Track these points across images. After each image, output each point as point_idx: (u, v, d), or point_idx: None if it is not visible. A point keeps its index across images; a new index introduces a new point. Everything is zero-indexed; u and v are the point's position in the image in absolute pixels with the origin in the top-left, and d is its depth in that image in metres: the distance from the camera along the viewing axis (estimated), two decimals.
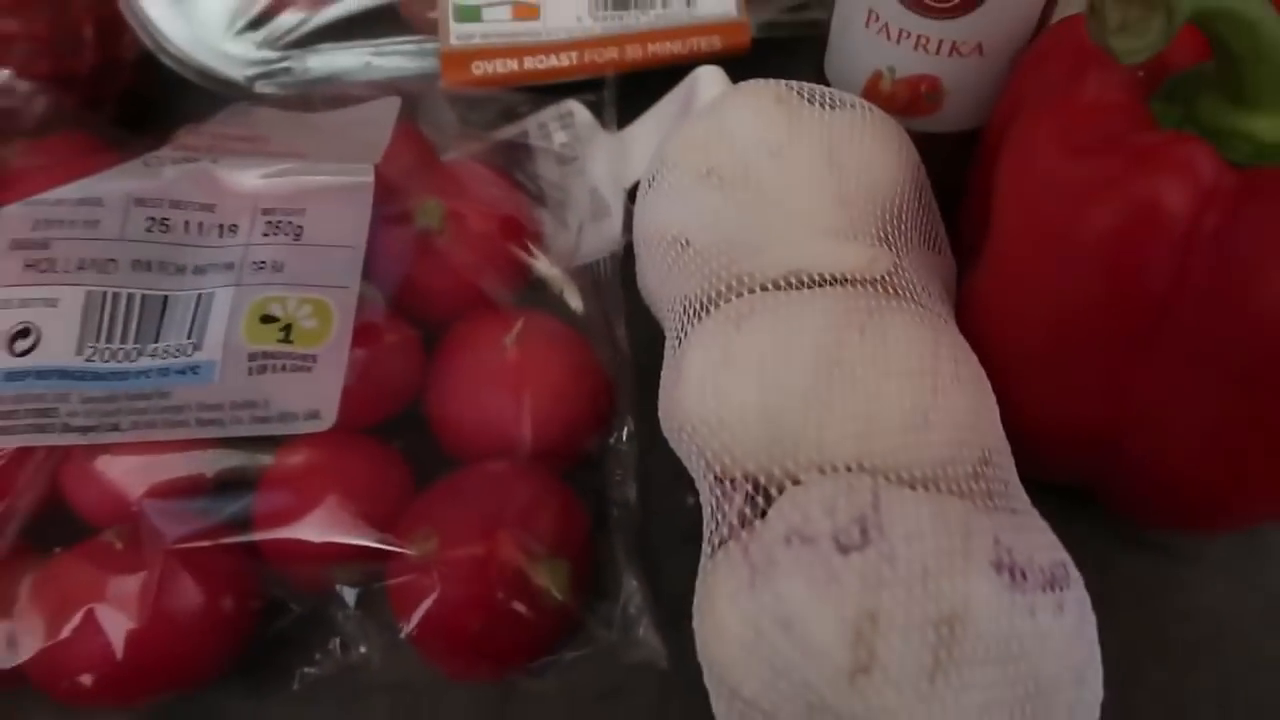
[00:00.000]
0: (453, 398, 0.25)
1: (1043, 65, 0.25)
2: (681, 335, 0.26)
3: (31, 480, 0.23)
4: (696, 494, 0.26)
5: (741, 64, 0.32)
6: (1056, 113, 0.22)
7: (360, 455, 0.24)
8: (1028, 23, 0.26)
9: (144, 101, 0.34)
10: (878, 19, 0.26)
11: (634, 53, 0.31)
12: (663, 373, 0.26)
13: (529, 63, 0.31)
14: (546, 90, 0.32)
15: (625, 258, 0.30)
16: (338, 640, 0.24)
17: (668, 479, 0.27)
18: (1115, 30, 0.19)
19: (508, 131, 0.33)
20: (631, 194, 0.31)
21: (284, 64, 0.31)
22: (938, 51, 0.26)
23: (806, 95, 0.26)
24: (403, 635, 0.22)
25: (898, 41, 0.27)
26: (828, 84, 0.30)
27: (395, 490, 0.24)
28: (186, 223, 0.24)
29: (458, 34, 0.32)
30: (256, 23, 0.32)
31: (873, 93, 0.28)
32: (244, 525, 0.22)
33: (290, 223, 0.25)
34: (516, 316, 0.26)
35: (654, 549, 0.27)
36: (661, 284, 0.27)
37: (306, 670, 0.24)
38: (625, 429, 0.27)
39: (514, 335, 0.26)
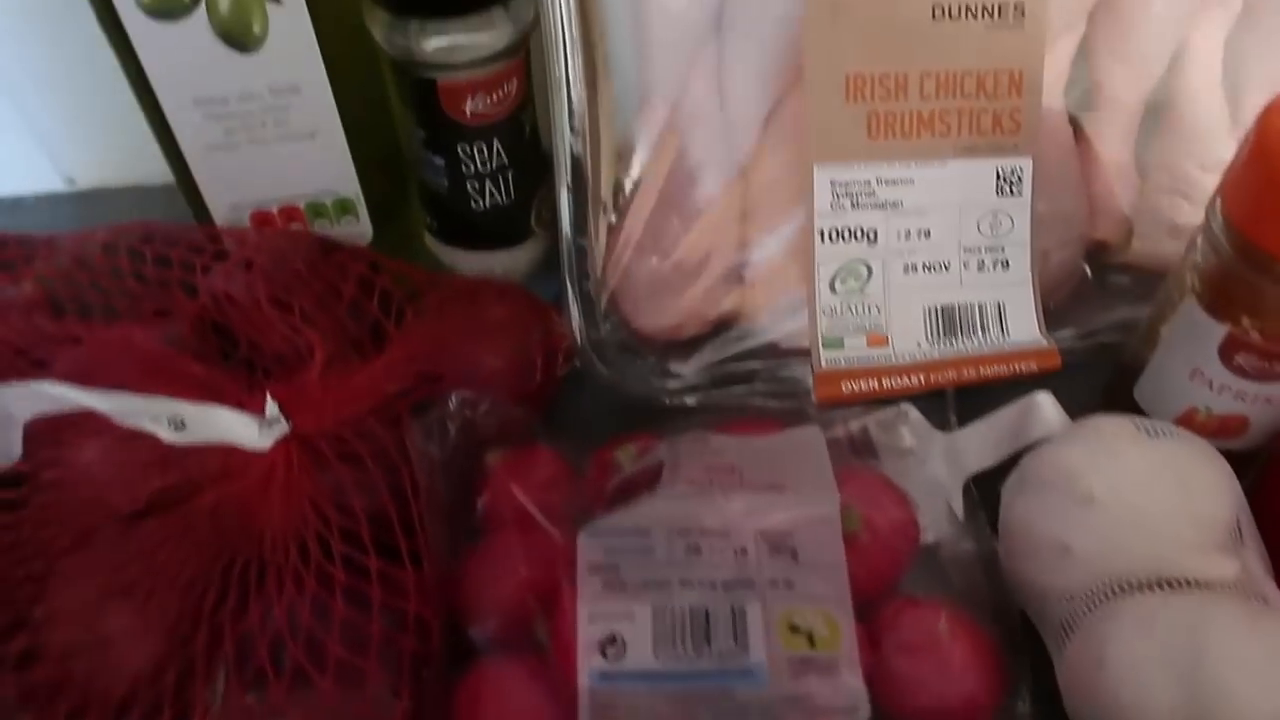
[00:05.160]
0: (901, 674, 0.32)
1: None
2: (1073, 622, 0.33)
3: None
4: None
5: (1043, 379, 0.40)
6: None
7: None
8: None
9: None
10: (1203, 375, 0.35)
11: (969, 373, 0.40)
12: (1066, 654, 0.33)
13: (886, 382, 0.40)
14: None
15: None
16: None
17: None
18: None
19: (854, 425, 0.41)
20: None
21: (692, 383, 0.40)
22: (1252, 401, 0.35)
23: (1147, 430, 0.35)
24: None
25: (1219, 392, 0.35)
26: (1137, 405, 0.38)
27: None
28: (712, 547, 0.32)
29: (827, 359, 0.40)
30: (669, 355, 0.41)
31: (1188, 421, 0.36)
32: None
33: (787, 546, 0.32)
34: (936, 604, 0.34)
35: None
36: (1043, 579, 0.34)
37: None
38: (1025, 696, 0.34)
39: (944, 624, 0.33)
